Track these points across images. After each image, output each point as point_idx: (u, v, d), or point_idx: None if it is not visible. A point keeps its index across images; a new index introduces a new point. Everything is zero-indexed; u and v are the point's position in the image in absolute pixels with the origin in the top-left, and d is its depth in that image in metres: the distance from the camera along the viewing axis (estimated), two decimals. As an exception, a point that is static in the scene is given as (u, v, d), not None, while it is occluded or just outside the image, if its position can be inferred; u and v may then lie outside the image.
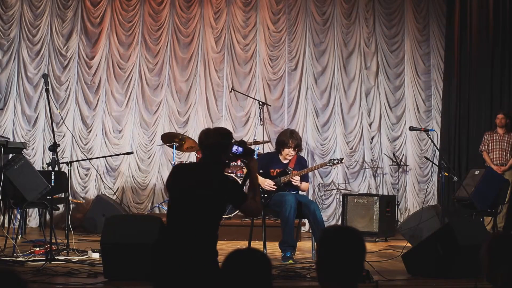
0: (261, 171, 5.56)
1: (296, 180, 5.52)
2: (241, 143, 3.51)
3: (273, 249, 5.72)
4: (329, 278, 2.07)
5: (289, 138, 5.59)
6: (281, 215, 5.37)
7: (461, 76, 8.63)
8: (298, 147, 5.64)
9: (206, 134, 3.41)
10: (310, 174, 8.28)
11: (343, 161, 5.84)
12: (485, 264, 2.29)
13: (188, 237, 3.11)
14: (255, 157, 3.75)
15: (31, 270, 4.38)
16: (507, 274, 2.09)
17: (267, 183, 5.54)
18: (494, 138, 7.54)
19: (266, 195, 5.54)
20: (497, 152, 7.48)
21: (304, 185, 5.66)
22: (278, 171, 5.65)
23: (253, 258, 1.99)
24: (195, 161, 3.64)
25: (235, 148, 3.46)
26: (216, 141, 3.35)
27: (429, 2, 9.06)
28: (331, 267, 2.06)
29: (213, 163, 3.35)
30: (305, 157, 7.09)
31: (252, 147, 7.85)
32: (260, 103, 7.75)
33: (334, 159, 5.73)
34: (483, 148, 7.60)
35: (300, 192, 5.83)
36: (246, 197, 3.35)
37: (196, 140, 7.99)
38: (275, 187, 5.55)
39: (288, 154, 5.63)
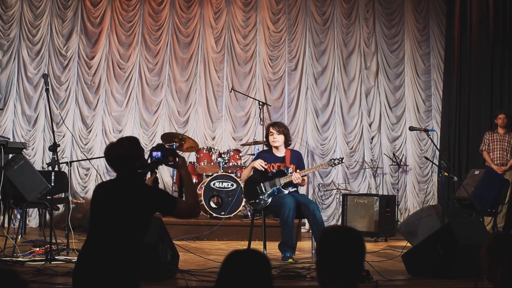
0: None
1: (297, 178, 5.53)
2: (158, 147, 3.30)
3: (273, 249, 5.71)
4: (329, 279, 2.07)
5: (270, 125, 5.80)
6: (280, 217, 5.39)
7: (461, 76, 8.63)
8: (283, 133, 5.70)
9: (110, 147, 3.19)
10: (310, 173, 8.29)
11: (343, 160, 5.87)
12: (485, 264, 2.29)
13: (110, 256, 2.93)
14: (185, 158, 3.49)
15: (31, 270, 4.37)
16: (507, 274, 2.09)
17: (258, 162, 5.59)
18: (495, 138, 7.52)
19: (267, 196, 5.54)
20: (498, 152, 7.47)
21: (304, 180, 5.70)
22: (275, 165, 5.67)
23: (252, 258, 1.98)
24: (114, 178, 3.33)
25: (154, 154, 3.25)
26: (121, 151, 3.10)
27: (429, 2, 9.07)
28: (331, 267, 2.07)
29: (130, 176, 3.10)
30: (305, 157, 7.11)
31: (252, 147, 7.88)
32: (260, 103, 7.75)
33: (334, 159, 5.74)
34: (484, 148, 7.58)
35: (300, 191, 5.85)
36: (175, 201, 3.10)
37: (197, 140, 8.09)
38: (265, 166, 5.59)
39: (273, 141, 5.68)
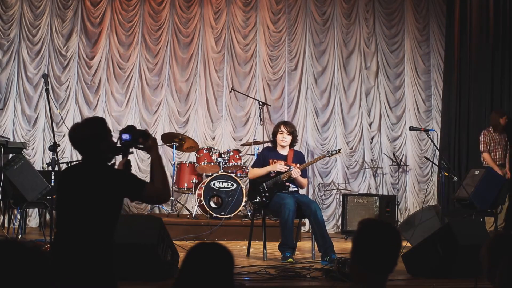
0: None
1: (297, 173, 5.54)
2: (129, 129, 3.07)
3: (273, 249, 5.72)
4: (362, 269, 2.15)
5: (281, 123, 5.80)
6: (280, 218, 5.40)
7: (461, 76, 8.63)
8: (292, 134, 5.73)
9: (75, 129, 2.99)
10: (310, 174, 8.30)
11: (340, 151, 5.93)
12: (485, 264, 2.29)
13: (81, 244, 2.80)
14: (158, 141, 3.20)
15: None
16: (507, 274, 2.09)
17: (279, 165, 5.61)
18: (495, 137, 7.41)
19: (268, 195, 5.55)
20: (499, 152, 7.36)
21: (303, 180, 5.68)
22: (277, 161, 5.68)
23: (214, 250, 2.00)
24: (80, 161, 3.08)
25: (124, 136, 3.04)
26: (86, 133, 2.94)
27: (429, 2, 9.07)
28: (368, 258, 2.14)
29: (96, 159, 2.96)
30: (305, 157, 7.08)
31: (252, 147, 7.88)
32: (260, 103, 7.75)
33: (332, 150, 5.90)
34: (485, 149, 7.21)
35: (301, 191, 5.85)
36: (144, 185, 2.97)
37: (197, 140, 8.08)
38: (287, 167, 5.61)
39: (282, 140, 5.70)
